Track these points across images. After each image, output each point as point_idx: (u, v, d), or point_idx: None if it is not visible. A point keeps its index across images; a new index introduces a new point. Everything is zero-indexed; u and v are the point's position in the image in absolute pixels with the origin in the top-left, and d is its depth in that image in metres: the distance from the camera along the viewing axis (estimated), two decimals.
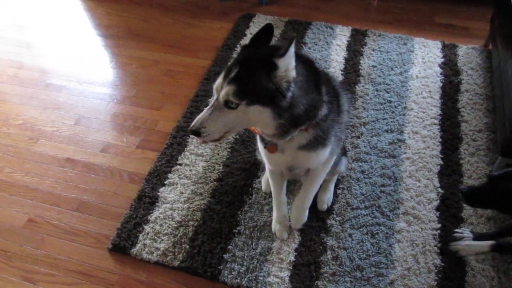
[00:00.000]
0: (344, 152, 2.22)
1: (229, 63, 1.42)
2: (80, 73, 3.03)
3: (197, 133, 1.38)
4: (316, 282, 1.85)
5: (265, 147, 1.63)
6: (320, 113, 1.48)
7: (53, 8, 3.73)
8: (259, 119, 1.37)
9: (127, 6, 3.68)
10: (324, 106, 1.49)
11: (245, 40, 3.11)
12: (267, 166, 1.87)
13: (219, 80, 1.36)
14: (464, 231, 1.99)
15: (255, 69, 1.32)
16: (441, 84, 2.73)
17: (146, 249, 1.97)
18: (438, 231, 2.01)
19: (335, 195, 2.16)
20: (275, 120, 1.37)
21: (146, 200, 2.16)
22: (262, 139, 1.63)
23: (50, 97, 2.84)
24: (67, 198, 2.24)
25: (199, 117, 1.38)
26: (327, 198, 2.10)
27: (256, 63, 1.33)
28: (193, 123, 1.38)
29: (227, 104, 1.34)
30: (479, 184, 1.59)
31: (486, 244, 1.87)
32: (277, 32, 3.18)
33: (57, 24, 3.54)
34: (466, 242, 1.92)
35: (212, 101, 1.38)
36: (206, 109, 1.38)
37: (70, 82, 2.95)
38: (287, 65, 1.29)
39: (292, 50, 1.28)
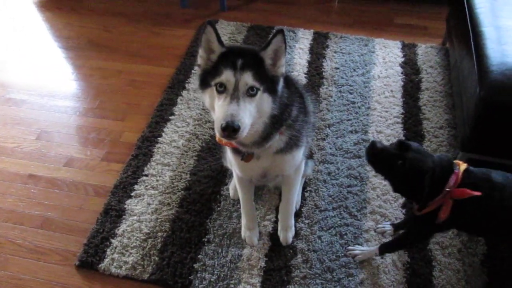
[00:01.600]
0: (310, 155, 2.23)
1: (227, 57, 1.39)
2: (41, 86, 2.96)
3: (235, 130, 1.31)
4: (288, 286, 1.85)
5: (242, 159, 1.62)
6: (292, 112, 1.54)
7: (10, 20, 3.64)
8: (265, 108, 1.40)
9: (87, 16, 3.62)
10: (295, 105, 1.55)
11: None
12: (235, 173, 1.86)
13: (228, 72, 1.34)
14: (385, 225, 2.04)
15: (254, 59, 1.38)
16: (402, 83, 2.79)
17: (115, 264, 1.94)
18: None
19: (303, 198, 2.17)
20: (273, 110, 1.43)
21: (113, 214, 2.12)
22: (237, 151, 1.62)
23: (10, 112, 2.76)
24: (30, 216, 2.18)
25: (227, 111, 1.32)
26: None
27: (251, 55, 1.39)
28: (222, 120, 1.31)
29: (249, 91, 1.35)
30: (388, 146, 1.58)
31: (375, 248, 1.89)
32: (239, 38, 3.19)
33: (15, 36, 3.45)
34: (360, 248, 1.95)
35: (224, 96, 1.35)
36: (222, 104, 1.34)
37: (31, 96, 2.88)
38: (273, 58, 1.40)
39: (276, 43, 1.37)
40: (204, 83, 1.43)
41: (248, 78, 1.34)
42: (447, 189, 1.51)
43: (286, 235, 1.99)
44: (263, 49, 1.39)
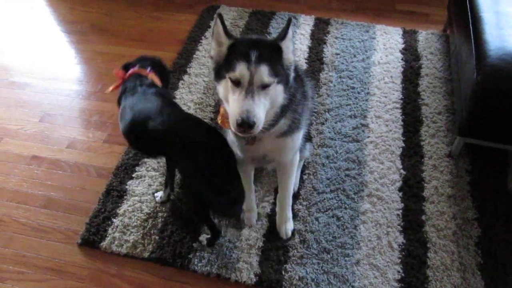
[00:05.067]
0: (309, 138, 2.26)
1: (239, 49, 1.38)
2: (44, 70, 2.99)
3: (251, 126, 1.32)
4: (285, 265, 1.90)
5: (247, 143, 1.63)
6: (297, 97, 1.56)
7: (14, 4, 3.66)
8: (278, 99, 1.43)
9: (90, 1, 3.63)
10: (299, 90, 1.58)
11: (210, 32, 3.12)
12: (236, 156, 1.89)
13: (242, 65, 1.33)
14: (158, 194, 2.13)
15: (270, 51, 1.39)
16: (402, 69, 2.81)
17: (116, 242, 1.98)
18: (401, 211, 2.08)
19: (301, 180, 2.20)
20: (285, 100, 1.45)
21: (115, 194, 2.16)
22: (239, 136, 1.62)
23: (14, 95, 2.80)
24: (34, 196, 2.22)
25: (242, 107, 1.33)
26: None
27: (267, 46, 1.40)
28: (238, 115, 1.32)
29: (263, 85, 1.35)
30: None
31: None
32: (241, 23, 3.20)
33: (19, 20, 3.47)
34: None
35: (239, 90, 1.35)
36: (237, 98, 1.35)
37: (34, 79, 2.91)
38: (288, 47, 1.41)
39: (290, 32, 1.39)
40: (219, 75, 1.42)
41: (263, 73, 1.33)
42: None
43: (285, 228, 2.00)
44: (281, 38, 1.39)
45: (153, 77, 1.96)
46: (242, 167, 1.93)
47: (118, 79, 2.01)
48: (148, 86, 1.89)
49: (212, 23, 3.19)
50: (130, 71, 1.99)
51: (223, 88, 1.41)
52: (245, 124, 1.31)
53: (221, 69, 1.41)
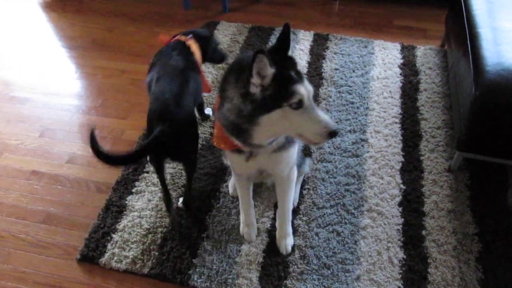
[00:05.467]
0: (308, 153, 2.27)
1: (285, 74, 1.37)
2: (44, 84, 3.01)
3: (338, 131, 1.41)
4: (285, 281, 1.88)
5: (249, 158, 1.62)
6: None
7: (16, 19, 3.70)
8: None
9: (91, 16, 3.68)
10: None
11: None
12: (233, 172, 1.89)
13: (300, 86, 1.35)
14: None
15: (295, 65, 1.44)
16: (401, 84, 2.82)
17: (115, 258, 1.97)
18: (401, 226, 2.07)
19: (301, 195, 2.20)
20: None
21: (114, 209, 2.16)
22: (237, 151, 1.62)
23: (14, 110, 2.81)
24: (33, 211, 2.22)
25: (325, 119, 1.39)
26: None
27: (293, 61, 1.45)
28: (327, 128, 1.38)
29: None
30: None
31: None
32: (241, 39, 3.23)
33: (20, 35, 3.51)
34: None
35: (302, 110, 1.37)
36: (311, 116, 1.39)
37: (35, 94, 2.93)
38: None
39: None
40: (266, 108, 1.36)
41: (311, 86, 1.40)
42: None
43: (285, 243, 1.99)
44: (289, 49, 1.44)
45: (191, 44, 2.12)
46: (240, 182, 1.94)
47: (161, 43, 2.18)
48: (180, 53, 2.05)
49: None
50: (173, 38, 2.18)
51: (276, 118, 1.36)
52: (337, 131, 1.39)
53: (270, 101, 1.35)
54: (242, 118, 1.39)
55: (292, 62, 1.43)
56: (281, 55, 1.42)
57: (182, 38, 2.14)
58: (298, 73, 1.39)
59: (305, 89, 1.36)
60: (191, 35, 2.16)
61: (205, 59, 2.25)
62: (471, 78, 1.98)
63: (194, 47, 2.12)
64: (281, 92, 1.34)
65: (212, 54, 2.29)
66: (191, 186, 2.09)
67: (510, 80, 1.87)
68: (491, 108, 1.91)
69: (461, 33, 2.34)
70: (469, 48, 2.13)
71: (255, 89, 1.34)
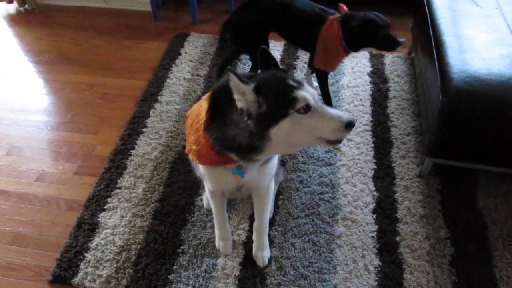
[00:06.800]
0: (282, 163, 2.26)
1: (288, 78, 1.39)
2: (11, 101, 2.93)
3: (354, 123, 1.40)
4: None
5: (238, 170, 1.58)
6: None
7: None
8: None
9: (58, 30, 3.61)
10: None
11: (181, 60, 3.14)
12: (207, 187, 1.86)
13: (302, 91, 1.35)
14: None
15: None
16: (371, 92, 2.87)
17: (89, 277, 1.92)
18: (376, 233, 2.09)
19: (276, 206, 2.20)
20: None
21: (86, 227, 2.11)
22: (224, 167, 1.59)
23: None
24: (1, 232, 2.14)
25: (340, 113, 1.39)
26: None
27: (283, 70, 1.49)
28: (349, 118, 1.37)
29: None
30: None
31: None
32: (211, 50, 3.23)
33: None
34: None
35: (312, 112, 1.35)
36: (325, 114, 1.37)
37: (1, 111, 2.85)
38: None
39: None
40: (272, 120, 1.35)
41: (312, 88, 1.40)
42: None
43: (262, 256, 1.98)
44: (277, 64, 1.49)
45: None
46: (213, 197, 1.91)
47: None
48: None
49: (182, 51, 3.22)
50: None
51: (287, 127, 1.35)
52: (353, 121, 1.37)
53: (272, 113, 1.34)
54: (253, 137, 1.38)
55: (285, 73, 1.45)
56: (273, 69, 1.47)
57: None
58: (296, 80, 1.39)
59: (307, 92, 1.36)
60: None
61: None
62: (438, 85, 2.03)
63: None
64: (282, 101, 1.34)
65: None
66: None
67: (475, 87, 1.91)
68: (458, 114, 1.95)
69: (427, 41, 2.40)
70: (435, 56, 2.18)
71: (250, 105, 1.34)
